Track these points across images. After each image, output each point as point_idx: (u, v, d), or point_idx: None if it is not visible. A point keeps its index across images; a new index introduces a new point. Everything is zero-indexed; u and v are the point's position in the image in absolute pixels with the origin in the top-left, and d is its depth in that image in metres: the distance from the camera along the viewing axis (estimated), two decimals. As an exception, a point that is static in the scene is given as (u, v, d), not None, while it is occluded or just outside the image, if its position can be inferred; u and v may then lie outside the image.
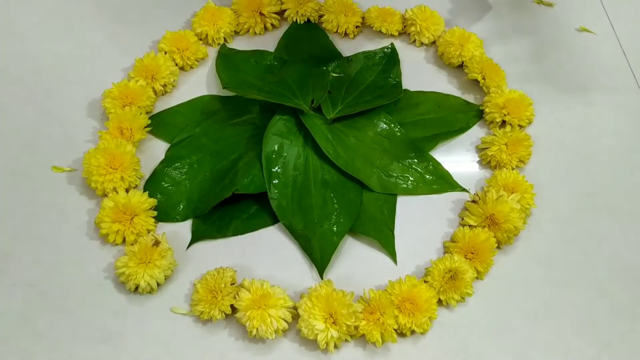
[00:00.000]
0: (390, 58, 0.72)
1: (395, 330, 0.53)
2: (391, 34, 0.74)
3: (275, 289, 0.54)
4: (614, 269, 0.59)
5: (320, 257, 0.57)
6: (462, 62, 0.71)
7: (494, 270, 0.58)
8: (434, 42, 0.74)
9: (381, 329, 0.52)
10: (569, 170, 0.66)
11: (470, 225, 0.59)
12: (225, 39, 0.72)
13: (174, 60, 0.69)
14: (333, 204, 0.60)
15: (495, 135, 0.65)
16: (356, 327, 0.53)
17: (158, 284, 0.55)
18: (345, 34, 0.74)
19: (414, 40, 0.74)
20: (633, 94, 0.72)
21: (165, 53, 0.69)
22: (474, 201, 0.61)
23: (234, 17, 0.73)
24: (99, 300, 0.54)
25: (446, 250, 0.59)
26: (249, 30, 0.73)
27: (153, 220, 0.58)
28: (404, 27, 0.75)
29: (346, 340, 0.53)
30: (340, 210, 0.59)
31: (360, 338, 0.54)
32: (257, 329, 0.51)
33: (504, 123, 0.66)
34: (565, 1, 0.81)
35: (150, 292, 0.55)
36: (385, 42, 0.74)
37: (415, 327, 0.53)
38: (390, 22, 0.74)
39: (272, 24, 0.74)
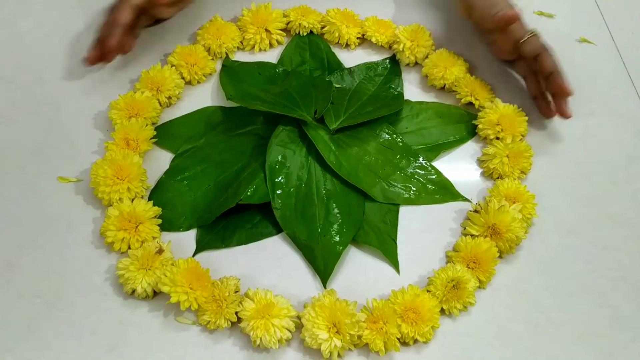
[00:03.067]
0: (392, 69, 0.73)
1: (398, 339, 0.53)
2: (381, 45, 0.74)
3: (278, 298, 0.54)
4: (616, 278, 0.59)
5: (323, 267, 0.58)
6: (445, 85, 0.70)
7: (496, 279, 0.58)
8: (417, 64, 0.73)
9: (384, 338, 0.53)
10: (571, 180, 0.66)
11: (472, 235, 0.60)
12: (227, 54, 0.72)
13: (181, 74, 0.69)
14: (336, 214, 0.60)
15: (496, 146, 0.65)
16: (359, 337, 0.53)
17: (157, 293, 0.55)
18: (347, 45, 0.75)
19: (398, 59, 0.73)
20: (633, 104, 0.73)
21: (172, 66, 0.69)
22: (476, 211, 0.61)
23: (238, 33, 0.73)
24: (105, 310, 0.55)
25: (448, 259, 0.60)
26: (254, 47, 0.73)
27: (158, 228, 0.59)
28: (392, 43, 0.74)
29: (349, 350, 0.53)
30: (343, 220, 0.60)
31: (363, 347, 0.54)
32: (260, 338, 0.52)
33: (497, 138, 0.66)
34: (565, 13, 0.82)
35: (145, 298, 0.55)
36: (387, 53, 0.74)
37: (418, 336, 0.53)
38: (383, 34, 0.73)
39: (277, 40, 0.74)
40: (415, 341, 0.54)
